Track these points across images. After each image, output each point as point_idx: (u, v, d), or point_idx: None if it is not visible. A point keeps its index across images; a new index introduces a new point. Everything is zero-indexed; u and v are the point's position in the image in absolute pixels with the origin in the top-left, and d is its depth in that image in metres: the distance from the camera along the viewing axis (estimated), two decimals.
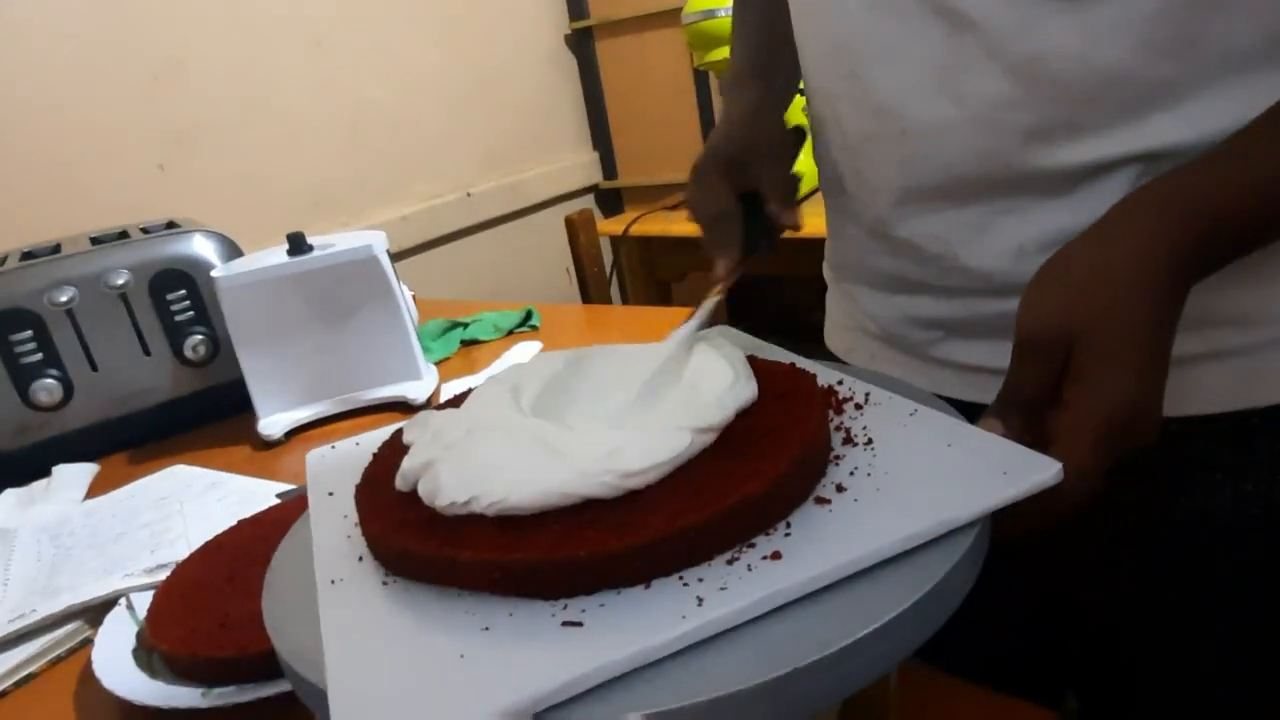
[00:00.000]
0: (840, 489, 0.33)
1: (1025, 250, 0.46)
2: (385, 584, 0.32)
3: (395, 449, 0.39)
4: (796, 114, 0.64)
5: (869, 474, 0.34)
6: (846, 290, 0.62)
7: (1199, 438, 0.46)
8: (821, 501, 0.32)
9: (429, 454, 0.35)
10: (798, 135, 0.61)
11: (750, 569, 0.29)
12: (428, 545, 0.31)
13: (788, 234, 0.56)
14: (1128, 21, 0.39)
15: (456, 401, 0.44)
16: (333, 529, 0.37)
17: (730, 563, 0.29)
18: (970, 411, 0.41)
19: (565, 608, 0.29)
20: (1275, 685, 0.50)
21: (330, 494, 0.40)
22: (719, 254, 0.53)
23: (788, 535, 0.31)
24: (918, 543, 0.29)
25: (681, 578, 0.29)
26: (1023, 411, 0.37)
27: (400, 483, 0.35)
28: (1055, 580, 0.58)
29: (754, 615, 0.27)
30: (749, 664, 0.25)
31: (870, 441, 0.37)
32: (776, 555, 0.29)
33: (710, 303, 0.50)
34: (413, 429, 0.39)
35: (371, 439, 0.45)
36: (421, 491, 0.34)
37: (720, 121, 0.62)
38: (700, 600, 0.27)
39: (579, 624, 0.28)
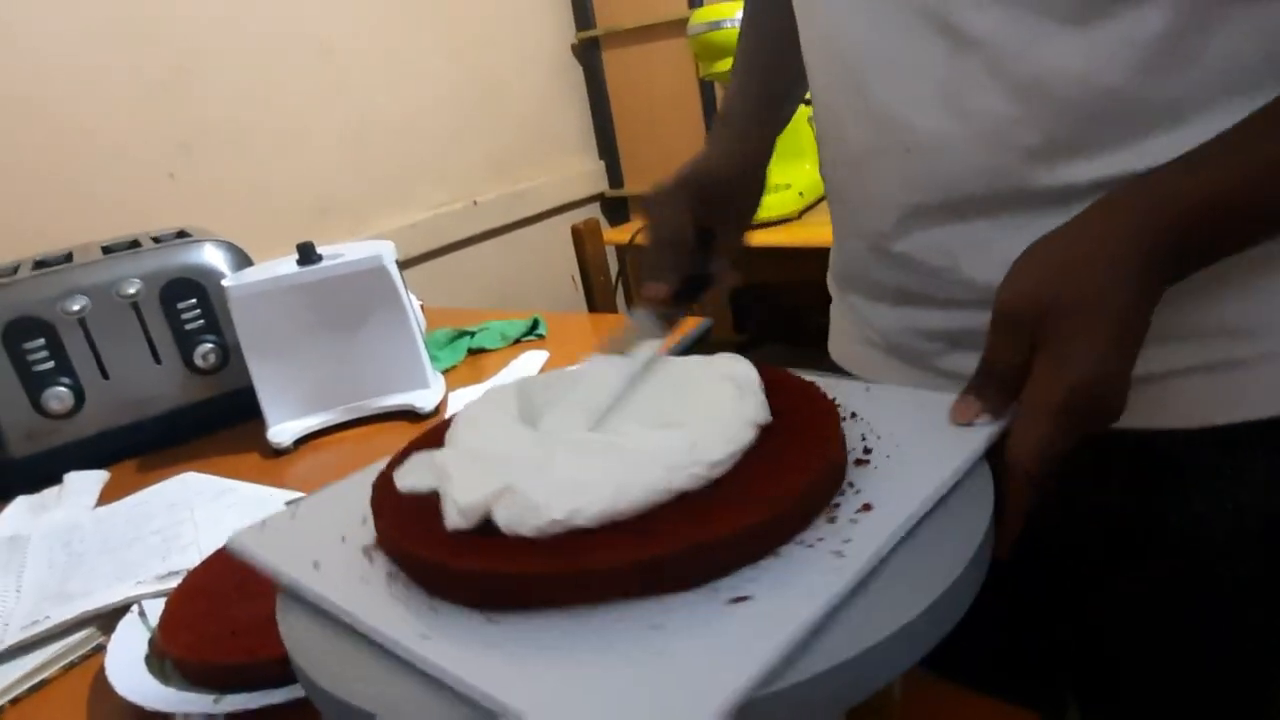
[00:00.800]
0: (868, 450, 0.37)
1: None
2: (494, 622, 0.30)
3: (394, 499, 0.37)
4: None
5: (879, 436, 0.39)
6: (851, 301, 0.62)
7: (1195, 448, 0.47)
8: (861, 463, 0.36)
9: (497, 481, 0.33)
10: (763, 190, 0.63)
11: (854, 521, 0.32)
12: (556, 566, 0.30)
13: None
14: (1129, 42, 0.40)
15: (436, 436, 0.42)
16: (360, 593, 0.34)
17: (831, 521, 0.32)
18: None
19: (717, 590, 0.29)
20: (1277, 696, 0.51)
21: (316, 564, 0.37)
22: (659, 278, 0.52)
23: (858, 492, 0.34)
24: (965, 470, 0.35)
25: (803, 541, 0.31)
26: (998, 385, 0.38)
27: (460, 520, 0.33)
28: (1056, 589, 0.58)
29: (887, 552, 0.30)
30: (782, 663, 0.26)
31: (854, 414, 0.41)
32: (867, 507, 0.33)
33: (701, 326, 0.51)
34: (417, 472, 0.38)
35: (312, 505, 0.43)
36: (503, 519, 0.32)
37: (703, 152, 0.62)
38: (839, 553, 0.30)
39: (748, 597, 0.29)
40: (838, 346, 0.67)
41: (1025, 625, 0.62)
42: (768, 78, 0.66)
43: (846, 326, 0.65)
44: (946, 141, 0.46)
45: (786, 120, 0.68)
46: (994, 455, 0.37)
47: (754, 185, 0.62)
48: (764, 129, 0.65)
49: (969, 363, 0.53)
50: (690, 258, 0.54)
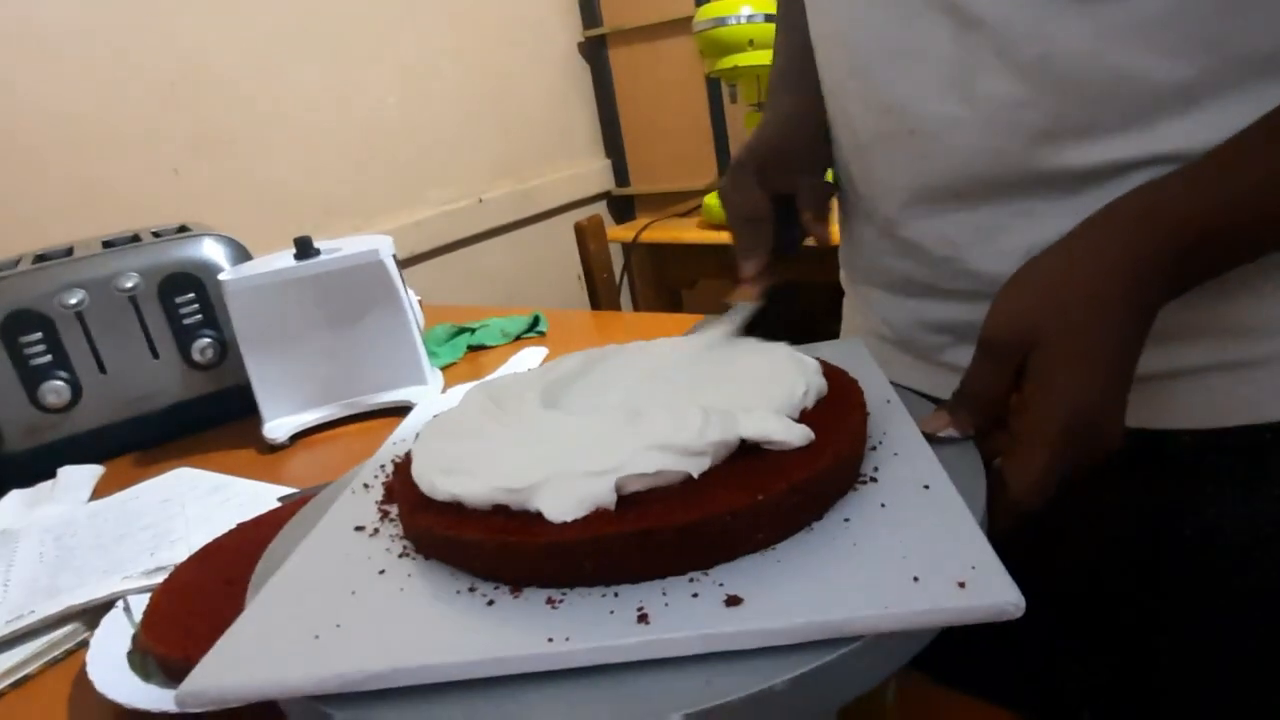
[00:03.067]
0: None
1: (1033, 254, 0.45)
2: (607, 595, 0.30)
3: (429, 504, 0.35)
4: None
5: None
6: (861, 293, 0.61)
7: (1210, 451, 0.46)
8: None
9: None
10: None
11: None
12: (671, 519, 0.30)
13: (808, 241, 0.57)
14: (1139, 23, 0.39)
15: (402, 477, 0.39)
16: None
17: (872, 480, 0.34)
18: None
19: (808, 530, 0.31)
20: None
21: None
22: (748, 256, 0.53)
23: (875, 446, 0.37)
24: None
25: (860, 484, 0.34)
26: (976, 408, 0.38)
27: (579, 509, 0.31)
28: (1067, 598, 0.57)
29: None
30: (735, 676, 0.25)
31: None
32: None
33: (747, 308, 0.50)
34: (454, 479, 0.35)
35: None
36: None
37: (759, 124, 0.62)
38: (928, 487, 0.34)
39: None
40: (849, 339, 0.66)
41: (1039, 639, 0.60)
42: (803, 32, 0.65)
43: (857, 319, 0.64)
44: (952, 124, 0.45)
45: None
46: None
47: (815, 136, 0.60)
48: (806, 78, 0.63)
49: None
50: (772, 228, 0.54)
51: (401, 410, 0.90)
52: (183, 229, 1.01)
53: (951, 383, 0.53)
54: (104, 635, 0.53)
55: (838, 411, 0.36)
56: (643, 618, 0.27)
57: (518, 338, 1.09)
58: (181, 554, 0.62)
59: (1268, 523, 0.45)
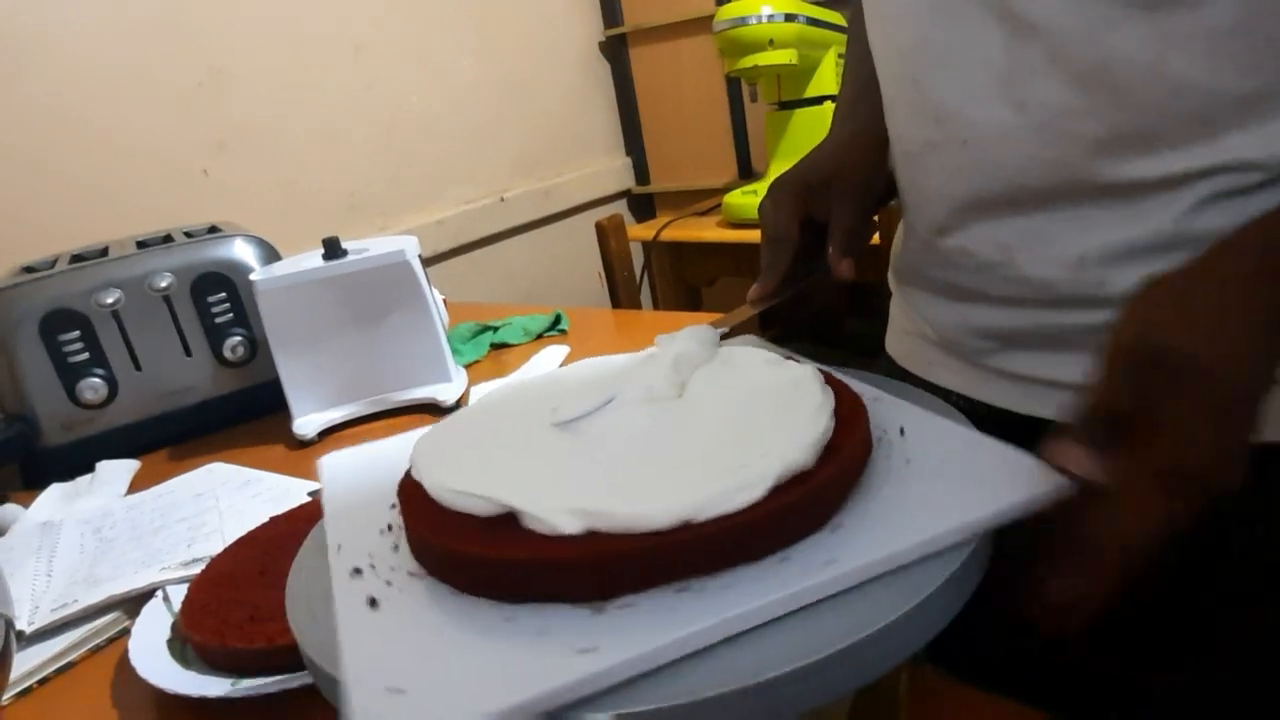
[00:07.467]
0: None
1: (1086, 261, 0.44)
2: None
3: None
4: None
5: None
6: (907, 294, 0.61)
7: (1268, 464, 0.43)
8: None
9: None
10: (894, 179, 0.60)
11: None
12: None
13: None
14: (1202, 32, 0.38)
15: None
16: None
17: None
18: (1025, 423, 0.38)
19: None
20: None
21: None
22: (763, 275, 0.54)
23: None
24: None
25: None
26: (1110, 429, 0.31)
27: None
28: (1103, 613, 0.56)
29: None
30: (731, 668, 0.25)
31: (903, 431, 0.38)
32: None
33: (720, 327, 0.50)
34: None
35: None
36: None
37: (815, 147, 0.62)
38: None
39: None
40: (894, 341, 0.66)
41: (1069, 646, 0.59)
42: (864, 59, 0.64)
43: (902, 321, 0.63)
44: (1004, 133, 0.44)
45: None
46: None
47: (861, 162, 0.58)
48: (863, 108, 0.62)
49: (1020, 362, 0.51)
50: (793, 252, 0.54)
51: (427, 407, 0.92)
52: (213, 229, 1.03)
53: (997, 387, 0.52)
54: (145, 623, 0.55)
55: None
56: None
57: (539, 336, 1.11)
58: (216, 546, 0.64)
59: None
